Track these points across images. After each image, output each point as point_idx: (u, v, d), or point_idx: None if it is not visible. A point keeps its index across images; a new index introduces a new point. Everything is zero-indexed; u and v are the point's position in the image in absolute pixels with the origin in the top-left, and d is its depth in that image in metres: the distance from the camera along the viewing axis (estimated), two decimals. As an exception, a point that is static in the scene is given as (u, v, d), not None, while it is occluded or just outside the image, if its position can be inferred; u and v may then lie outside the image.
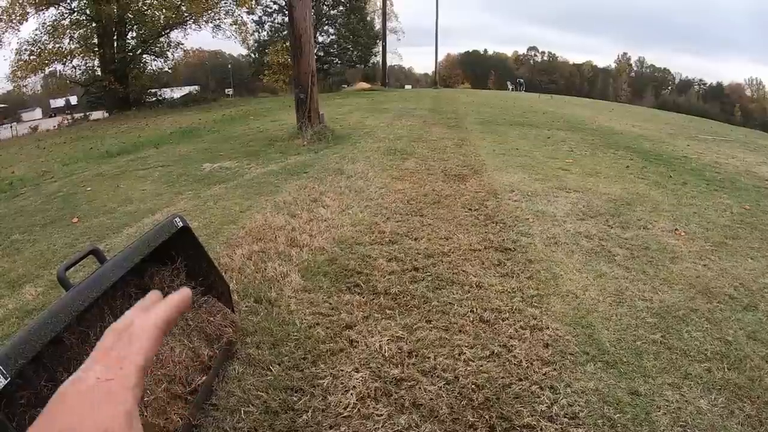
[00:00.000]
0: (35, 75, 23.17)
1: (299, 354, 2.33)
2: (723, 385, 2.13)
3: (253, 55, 34.71)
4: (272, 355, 2.33)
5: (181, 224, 2.15)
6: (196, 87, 34.35)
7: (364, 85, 29.32)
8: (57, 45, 22.15)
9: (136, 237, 1.95)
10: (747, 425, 1.90)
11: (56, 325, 1.48)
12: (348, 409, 1.97)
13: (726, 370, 2.23)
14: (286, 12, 8.85)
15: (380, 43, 33.84)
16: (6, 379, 1.27)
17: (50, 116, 33.77)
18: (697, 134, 11.37)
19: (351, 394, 2.05)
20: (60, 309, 1.51)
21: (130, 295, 2.11)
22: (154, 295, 0.49)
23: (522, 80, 36.06)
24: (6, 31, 20.78)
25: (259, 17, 32.57)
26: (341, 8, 33.82)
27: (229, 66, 51.82)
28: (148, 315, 0.44)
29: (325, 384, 2.12)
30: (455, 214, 4.20)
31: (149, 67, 26.75)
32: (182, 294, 0.49)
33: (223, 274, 3.07)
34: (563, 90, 54.74)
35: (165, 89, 28.47)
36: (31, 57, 21.62)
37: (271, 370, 2.22)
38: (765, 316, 2.71)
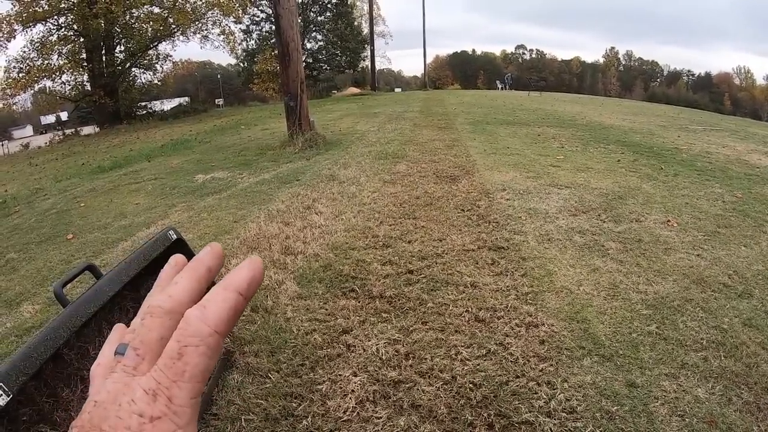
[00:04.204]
0: (25, 92, 23.14)
1: (297, 360, 2.34)
2: (720, 373, 2.15)
3: (242, 64, 34.73)
4: (270, 362, 2.34)
5: (175, 237, 2.16)
6: (186, 98, 34.33)
7: (354, 89, 29.45)
8: (46, 61, 22.10)
9: (131, 251, 1.97)
10: (745, 412, 1.92)
11: (56, 341, 1.49)
12: (347, 413, 1.98)
13: (722, 358, 2.25)
14: (273, 20, 8.87)
15: (368, 48, 33.98)
16: (8, 396, 1.28)
17: (41, 133, 33.70)
18: (688, 125, 11.43)
19: (350, 398, 2.06)
20: (59, 325, 1.52)
21: (127, 309, 2.12)
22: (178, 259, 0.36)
23: (509, 75, 36.05)
24: (-6, 49, 20.79)
25: (247, 26, 32.52)
26: (328, 14, 33.81)
27: (219, 76, 51.77)
28: (205, 312, 0.30)
29: (323, 389, 2.13)
30: (448, 216, 4.21)
31: (139, 80, 26.78)
32: (254, 262, 0.33)
33: (219, 284, 3.08)
34: (553, 87, 55.01)
35: (155, 102, 28.48)
36: (20, 74, 21.56)
37: (270, 378, 2.22)
38: (760, 303, 2.74)
